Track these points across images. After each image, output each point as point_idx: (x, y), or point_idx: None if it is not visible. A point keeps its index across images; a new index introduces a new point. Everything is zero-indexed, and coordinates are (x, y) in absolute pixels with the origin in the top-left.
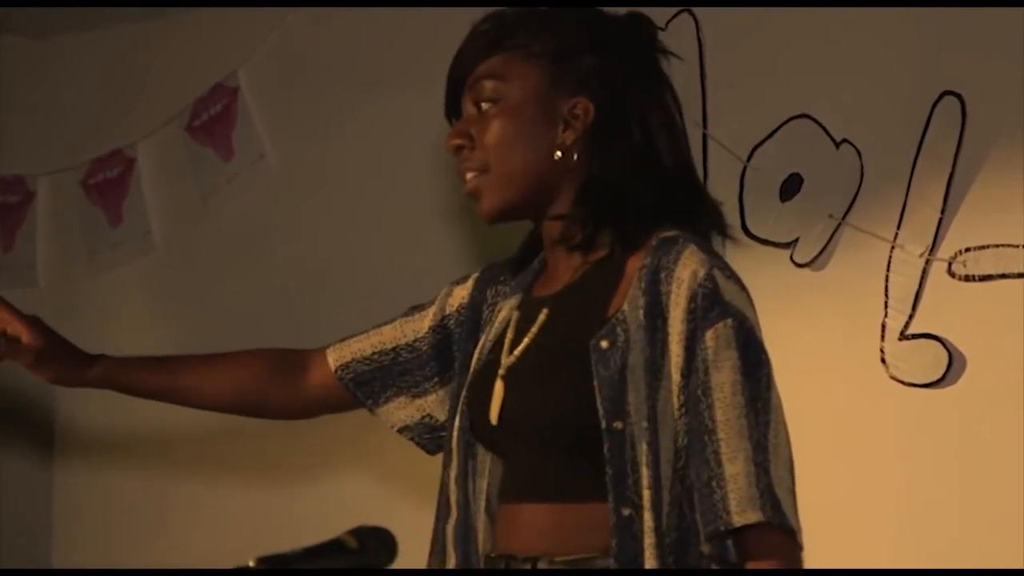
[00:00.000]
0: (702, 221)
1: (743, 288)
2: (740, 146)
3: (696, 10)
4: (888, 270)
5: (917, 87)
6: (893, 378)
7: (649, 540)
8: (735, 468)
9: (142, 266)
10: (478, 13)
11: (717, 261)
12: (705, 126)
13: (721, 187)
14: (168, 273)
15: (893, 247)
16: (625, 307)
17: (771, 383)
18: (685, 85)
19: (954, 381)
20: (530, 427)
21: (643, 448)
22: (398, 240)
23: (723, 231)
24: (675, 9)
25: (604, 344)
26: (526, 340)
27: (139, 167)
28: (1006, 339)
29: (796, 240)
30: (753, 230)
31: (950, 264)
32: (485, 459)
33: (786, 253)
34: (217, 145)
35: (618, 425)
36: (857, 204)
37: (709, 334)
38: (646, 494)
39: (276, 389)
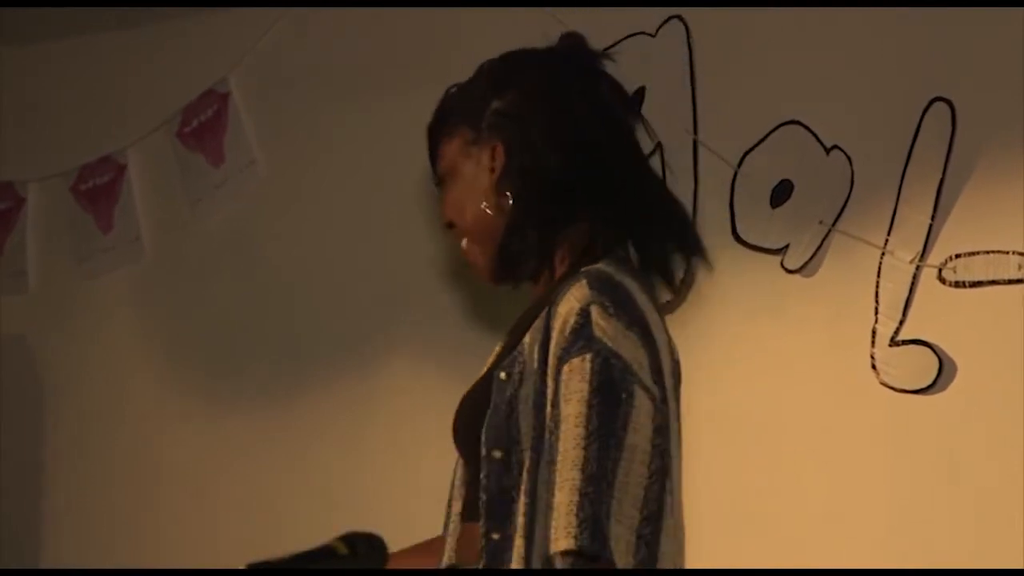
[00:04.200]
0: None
1: (631, 326)
2: (730, 152)
3: (686, 16)
4: (878, 276)
5: (907, 93)
6: (883, 384)
7: (517, 565)
8: (560, 496)
9: (132, 272)
10: (470, 16)
11: (604, 297)
12: (696, 132)
13: (711, 193)
14: (158, 279)
15: (883, 253)
16: (526, 339)
17: (630, 424)
18: (675, 91)
19: (944, 387)
20: (458, 448)
21: (524, 477)
22: (386, 247)
23: (684, 236)
24: (665, 15)
25: (503, 375)
26: (484, 370)
27: (129, 173)
28: (996, 345)
29: (786, 246)
30: (743, 236)
31: (940, 270)
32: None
33: (776, 259)
34: (207, 151)
35: (497, 454)
36: (847, 210)
37: (566, 367)
38: (520, 521)
39: None
